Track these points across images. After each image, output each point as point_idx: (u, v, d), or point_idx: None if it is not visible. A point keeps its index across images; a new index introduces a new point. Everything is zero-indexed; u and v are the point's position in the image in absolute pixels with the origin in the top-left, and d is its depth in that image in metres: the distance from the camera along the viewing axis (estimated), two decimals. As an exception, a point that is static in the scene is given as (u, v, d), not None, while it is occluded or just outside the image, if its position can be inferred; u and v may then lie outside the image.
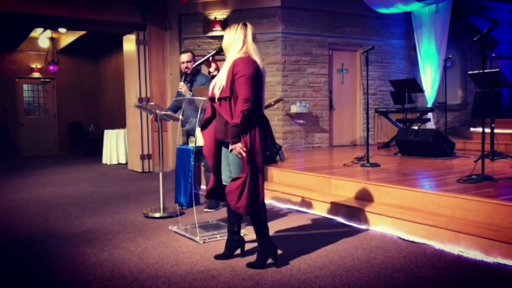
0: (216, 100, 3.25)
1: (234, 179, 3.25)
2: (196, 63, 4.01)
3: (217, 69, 3.62)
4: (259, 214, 3.26)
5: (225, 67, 3.23)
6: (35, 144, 13.11)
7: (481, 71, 5.18)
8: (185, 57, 5.28)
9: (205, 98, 4.18)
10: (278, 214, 4.99)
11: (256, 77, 3.15)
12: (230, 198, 3.23)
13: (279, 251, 3.56)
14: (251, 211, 3.22)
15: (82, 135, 13.69)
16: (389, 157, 6.93)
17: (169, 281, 3.06)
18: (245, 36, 3.24)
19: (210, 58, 3.62)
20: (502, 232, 3.44)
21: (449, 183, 4.54)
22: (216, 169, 3.44)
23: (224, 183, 3.44)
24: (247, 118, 3.11)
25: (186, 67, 5.24)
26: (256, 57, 3.22)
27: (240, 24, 3.27)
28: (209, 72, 3.71)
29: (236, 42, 3.23)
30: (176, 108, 5.23)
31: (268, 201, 5.51)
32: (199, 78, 5.25)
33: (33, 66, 13.16)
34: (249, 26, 3.29)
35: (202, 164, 5.20)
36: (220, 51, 3.52)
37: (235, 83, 3.15)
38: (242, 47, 3.22)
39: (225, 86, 3.18)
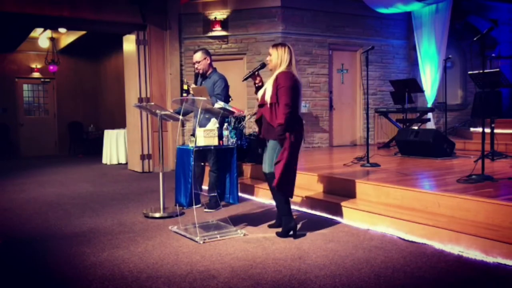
0: (267, 105, 4.03)
1: (276, 163, 4.01)
2: (244, 78, 4.33)
3: (261, 81, 4.29)
4: (286, 192, 4.07)
5: (271, 80, 4.01)
6: (35, 144, 13.12)
7: (481, 71, 5.17)
8: (195, 57, 5.19)
9: (205, 98, 4.18)
10: (278, 214, 4.99)
11: (294, 88, 3.97)
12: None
13: (280, 252, 3.61)
14: (280, 188, 4.00)
15: (82, 135, 13.70)
16: (389, 157, 6.94)
17: (169, 281, 3.06)
18: (291, 56, 4.05)
19: (256, 73, 4.26)
20: (502, 232, 3.45)
21: (449, 183, 4.54)
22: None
23: (264, 171, 4.21)
24: (288, 119, 3.89)
25: (196, 68, 5.20)
26: (295, 72, 4.05)
27: (286, 46, 4.07)
28: (255, 83, 4.28)
29: (284, 59, 4.03)
30: (186, 112, 4.96)
31: (268, 201, 5.51)
32: (212, 76, 5.17)
33: (33, 66, 13.17)
34: (291, 47, 4.12)
35: (208, 164, 5.18)
36: (263, 66, 4.24)
37: (278, 92, 3.95)
38: (288, 64, 4.02)
39: (272, 94, 3.98)
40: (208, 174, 5.29)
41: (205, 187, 5.67)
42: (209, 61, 5.19)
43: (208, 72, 5.22)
